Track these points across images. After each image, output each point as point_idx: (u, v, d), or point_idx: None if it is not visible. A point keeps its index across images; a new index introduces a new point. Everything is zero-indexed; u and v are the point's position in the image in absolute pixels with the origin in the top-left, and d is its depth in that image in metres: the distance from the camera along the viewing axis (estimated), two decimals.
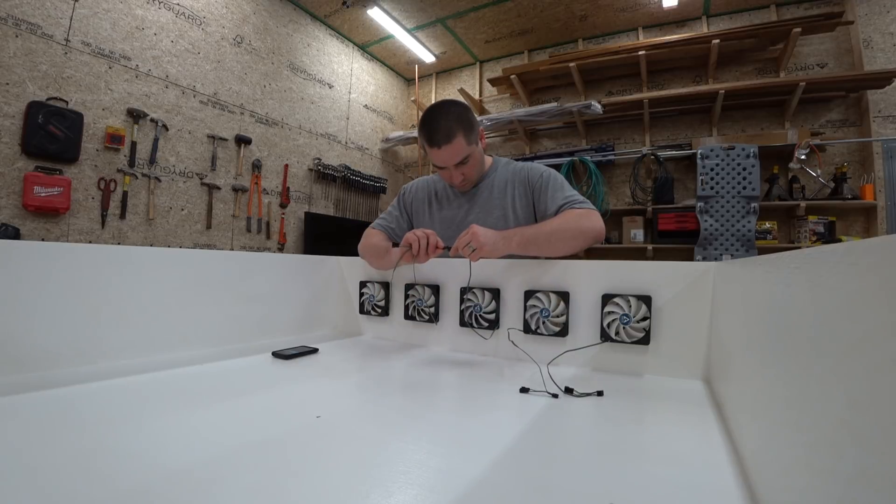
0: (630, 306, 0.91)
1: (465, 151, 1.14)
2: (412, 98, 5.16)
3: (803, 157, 3.17)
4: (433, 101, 5.29)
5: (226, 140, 3.36)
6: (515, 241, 1.02)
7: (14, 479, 0.41)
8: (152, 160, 2.89)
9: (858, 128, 3.37)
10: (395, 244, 1.36)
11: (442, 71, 5.30)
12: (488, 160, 1.33)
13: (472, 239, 0.96)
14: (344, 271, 1.42)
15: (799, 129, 3.39)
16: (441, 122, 1.12)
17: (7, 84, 2.29)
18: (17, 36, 2.33)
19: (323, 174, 4.16)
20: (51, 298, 0.78)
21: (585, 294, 0.99)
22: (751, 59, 3.71)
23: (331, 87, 4.39)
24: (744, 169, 3.18)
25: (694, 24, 4.00)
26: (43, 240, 2.42)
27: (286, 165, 3.85)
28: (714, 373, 0.82)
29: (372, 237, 1.35)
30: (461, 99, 4.91)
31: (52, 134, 2.39)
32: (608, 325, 0.93)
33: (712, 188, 3.24)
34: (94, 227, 2.64)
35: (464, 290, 1.13)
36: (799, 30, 3.24)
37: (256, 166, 3.58)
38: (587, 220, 1.08)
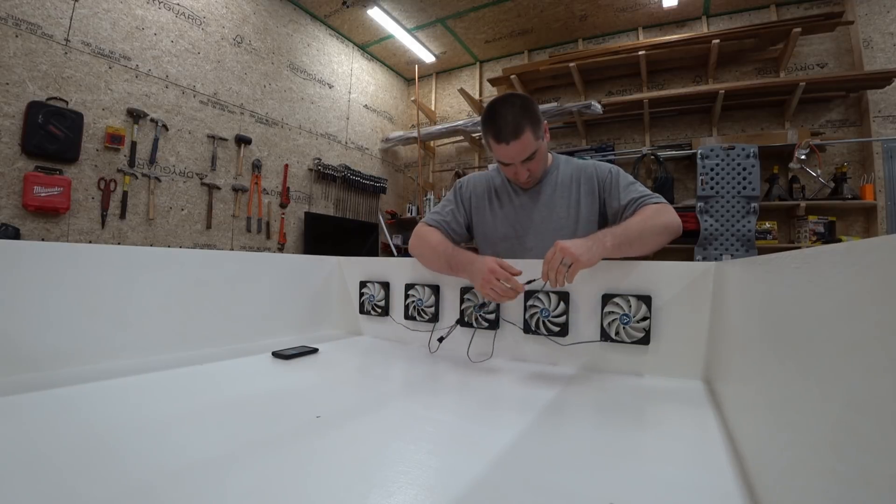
0: (630, 306, 0.92)
1: (533, 147, 1.09)
2: (412, 98, 5.16)
3: (803, 157, 3.17)
4: (433, 101, 5.31)
5: (226, 140, 3.36)
6: (609, 243, 0.90)
7: (14, 478, 0.41)
8: (152, 160, 2.89)
9: (858, 128, 3.37)
10: (454, 241, 1.25)
11: (442, 71, 5.30)
12: (549, 157, 1.28)
13: (564, 255, 0.82)
14: (344, 271, 1.42)
15: (799, 129, 3.38)
16: (509, 117, 1.06)
17: (7, 84, 2.29)
18: (17, 36, 2.33)
19: (323, 174, 4.16)
20: (51, 298, 0.78)
21: (585, 294, 0.99)
22: (751, 59, 3.71)
23: (331, 87, 4.38)
24: (744, 169, 3.18)
25: (694, 24, 4.00)
26: (43, 240, 2.42)
27: (286, 165, 3.85)
28: (714, 373, 0.82)
29: (431, 238, 1.18)
30: (461, 98, 4.90)
31: (52, 134, 2.39)
32: (608, 325, 0.93)
33: (712, 188, 3.24)
34: (94, 227, 2.64)
35: (464, 290, 1.13)
36: (799, 30, 3.24)
37: (256, 166, 3.58)
38: (666, 214, 1.03)
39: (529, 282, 0.92)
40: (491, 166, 1.36)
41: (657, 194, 1.10)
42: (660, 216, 1.01)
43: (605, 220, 1.21)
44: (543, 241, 1.20)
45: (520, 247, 1.23)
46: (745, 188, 3.17)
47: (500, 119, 1.07)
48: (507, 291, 0.90)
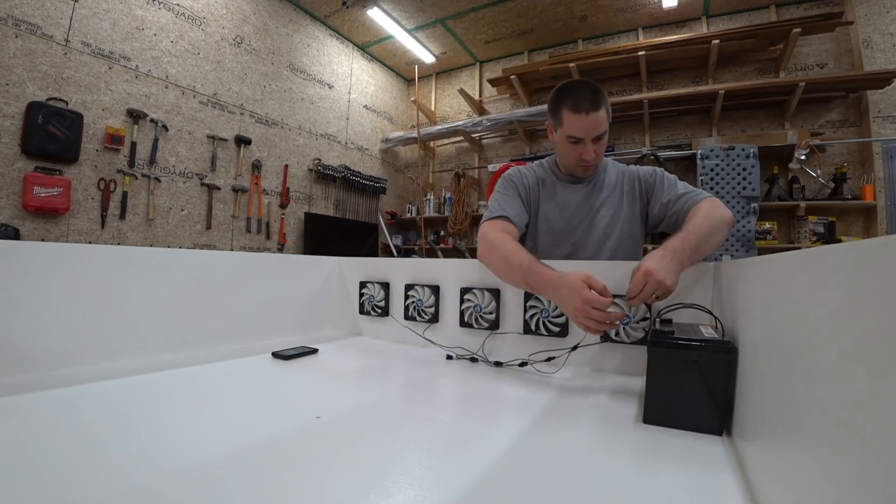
0: (630, 306, 0.91)
1: (605, 126, 1.09)
2: (412, 98, 5.16)
3: (803, 157, 3.17)
4: (433, 102, 5.31)
5: (226, 140, 3.36)
6: (688, 257, 0.83)
7: (14, 478, 0.41)
8: (152, 160, 2.89)
9: (858, 128, 3.37)
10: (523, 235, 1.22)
11: (442, 71, 5.30)
12: None
13: (656, 288, 0.75)
14: (344, 271, 1.42)
15: (799, 129, 3.39)
16: (587, 90, 1.07)
17: (7, 84, 2.30)
18: (17, 36, 2.33)
19: (323, 174, 4.16)
20: (51, 298, 0.78)
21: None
22: (751, 59, 3.71)
23: (331, 87, 4.39)
24: (744, 169, 3.18)
25: (694, 25, 4.00)
26: (43, 240, 2.42)
27: (286, 166, 3.85)
28: None
29: (504, 246, 1.01)
30: (461, 99, 4.91)
31: (51, 134, 2.39)
32: None
33: (712, 188, 3.24)
34: (93, 227, 2.64)
35: (464, 291, 1.13)
36: (799, 30, 3.24)
37: (256, 167, 3.58)
38: (720, 209, 1.01)
39: (615, 301, 0.84)
40: (523, 168, 1.30)
41: (702, 190, 1.09)
42: (715, 211, 0.99)
43: (647, 221, 1.20)
44: (586, 238, 1.19)
45: (563, 243, 1.21)
46: (745, 188, 3.17)
47: (579, 91, 1.07)
48: (605, 318, 0.74)
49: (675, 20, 4.02)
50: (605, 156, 1.25)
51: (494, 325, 1.08)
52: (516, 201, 1.19)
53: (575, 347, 0.88)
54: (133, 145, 2.79)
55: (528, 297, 1.03)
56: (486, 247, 1.06)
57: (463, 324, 1.12)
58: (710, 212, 0.98)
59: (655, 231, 1.21)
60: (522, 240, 1.24)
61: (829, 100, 3.45)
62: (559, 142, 1.16)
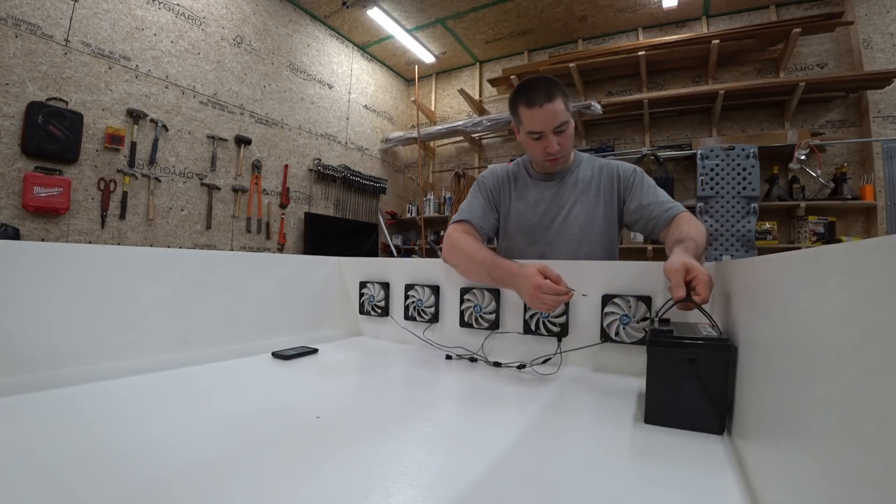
0: (630, 306, 0.91)
1: (565, 116, 1.10)
2: (412, 98, 5.16)
3: (803, 157, 3.17)
4: (433, 102, 5.31)
5: (226, 140, 3.36)
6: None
7: (15, 478, 0.41)
8: (152, 160, 2.89)
9: (858, 128, 3.37)
10: (487, 237, 1.25)
11: (442, 71, 5.30)
12: (572, 153, 1.26)
13: (708, 280, 0.70)
14: (344, 271, 1.42)
15: (799, 129, 3.38)
16: (540, 85, 1.08)
17: (7, 84, 2.29)
18: (17, 36, 2.33)
19: (323, 174, 4.16)
20: (51, 298, 0.78)
21: (586, 294, 0.99)
22: (751, 59, 3.71)
23: (331, 87, 4.39)
24: (744, 169, 3.18)
25: (694, 25, 4.00)
26: (43, 240, 2.42)
27: (286, 166, 3.85)
28: None
29: (466, 245, 1.08)
30: (461, 99, 4.92)
31: (51, 134, 2.39)
32: (608, 325, 0.93)
33: (712, 188, 3.24)
34: (93, 227, 2.64)
35: (464, 291, 1.13)
36: (799, 30, 3.24)
37: (256, 167, 3.58)
38: (702, 225, 1.04)
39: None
40: (498, 167, 1.33)
41: (678, 202, 1.12)
42: (702, 228, 1.01)
43: (621, 218, 1.21)
44: (560, 236, 1.20)
45: (537, 241, 1.22)
46: (745, 188, 3.17)
47: (532, 86, 1.09)
48: (557, 302, 0.83)
49: (675, 20, 4.02)
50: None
51: (494, 325, 1.08)
52: (481, 204, 1.25)
53: (560, 341, 0.88)
54: (133, 145, 2.79)
55: None
56: (450, 247, 1.13)
57: (463, 324, 1.12)
58: (696, 230, 1.00)
59: (632, 231, 1.23)
60: (494, 241, 1.30)
61: (829, 100, 3.45)
62: (524, 140, 1.18)
